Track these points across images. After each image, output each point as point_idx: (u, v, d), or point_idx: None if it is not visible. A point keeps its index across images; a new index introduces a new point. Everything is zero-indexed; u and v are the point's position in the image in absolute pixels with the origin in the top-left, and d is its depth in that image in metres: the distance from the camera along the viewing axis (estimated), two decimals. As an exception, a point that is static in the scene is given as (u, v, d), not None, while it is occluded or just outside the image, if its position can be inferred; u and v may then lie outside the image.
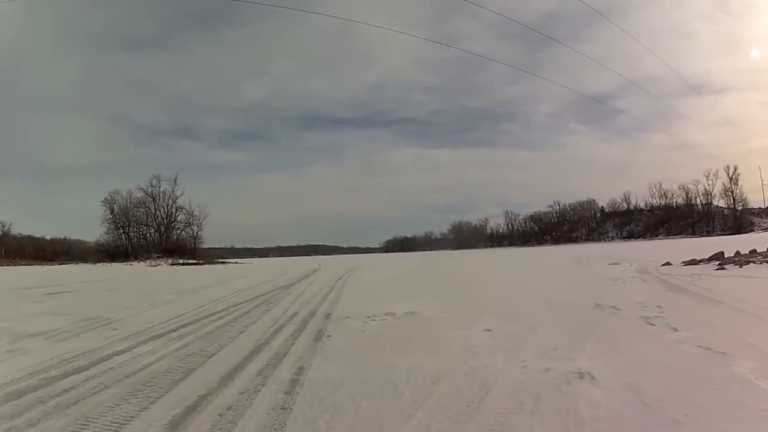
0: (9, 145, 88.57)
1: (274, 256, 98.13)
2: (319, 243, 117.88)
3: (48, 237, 67.62)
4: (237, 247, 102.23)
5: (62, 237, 68.89)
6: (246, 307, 9.29)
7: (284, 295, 11.18)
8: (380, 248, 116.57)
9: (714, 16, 78.25)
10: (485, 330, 5.50)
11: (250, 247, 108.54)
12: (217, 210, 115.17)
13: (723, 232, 67.99)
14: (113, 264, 51.81)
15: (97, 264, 51.90)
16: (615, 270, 14.96)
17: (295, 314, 7.63)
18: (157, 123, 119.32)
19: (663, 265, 15.41)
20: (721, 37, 73.08)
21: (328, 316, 7.21)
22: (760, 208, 74.56)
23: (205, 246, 66.44)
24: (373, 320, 6.46)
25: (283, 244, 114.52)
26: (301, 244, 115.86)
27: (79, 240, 69.89)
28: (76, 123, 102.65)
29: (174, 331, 6.81)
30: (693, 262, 15.32)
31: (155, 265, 49.98)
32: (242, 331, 6.36)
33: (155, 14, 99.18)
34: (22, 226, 66.23)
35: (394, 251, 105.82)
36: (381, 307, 7.63)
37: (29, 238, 65.06)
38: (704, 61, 79.80)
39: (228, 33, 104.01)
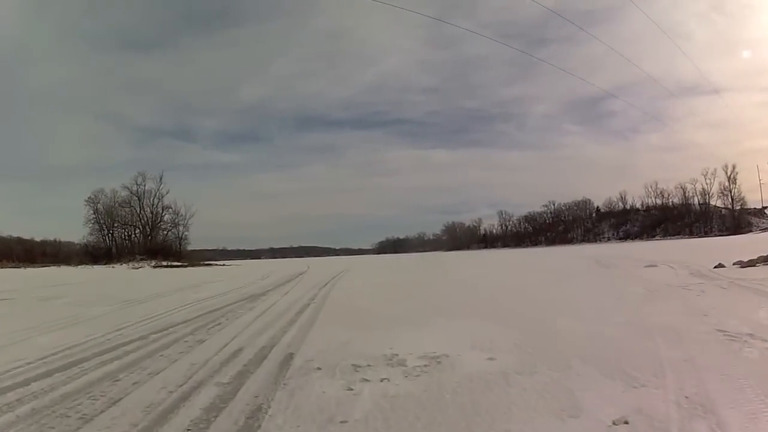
0: (5, 145, 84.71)
1: (266, 258, 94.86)
2: (311, 244, 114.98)
3: (38, 238, 63.32)
4: (229, 248, 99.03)
5: (52, 239, 64.75)
6: (178, 332, 6.18)
7: (244, 311, 8.01)
8: (373, 249, 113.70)
9: (710, 17, 76.05)
10: (618, 422, 2.38)
11: (243, 248, 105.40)
12: (211, 211, 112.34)
13: (721, 233, 65.49)
14: (95, 266, 48.71)
15: (79, 266, 48.87)
16: (661, 274, 12.00)
17: (235, 354, 4.47)
18: (154, 124, 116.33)
19: (716, 267, 12.52)
20: (717, 38, 70.86)
21: (286, 361, 4.04)
22: (755, 208, 72.28)
23: (195, 248, 63.00)
24: (366, 380, 3.27)
25: (276, 246, 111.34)
26: (294, 246, 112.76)
27: (69, 242, 66.16)
28: (73, 123, 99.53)
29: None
30: (750, 264, 12.54)
31: (137, 268, 46.86)
32: (108, 406, 3.20)
33: (154, 15, 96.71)
34: (15, 227, 63.17)
35: (386, 252, 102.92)
36: (379, 342, 4.51)
37: (18, 239, 60.82)
38: (699, 62, 77.53)
39: (227, 34, 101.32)
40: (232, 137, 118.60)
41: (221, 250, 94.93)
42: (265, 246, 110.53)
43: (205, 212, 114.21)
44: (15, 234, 59.99)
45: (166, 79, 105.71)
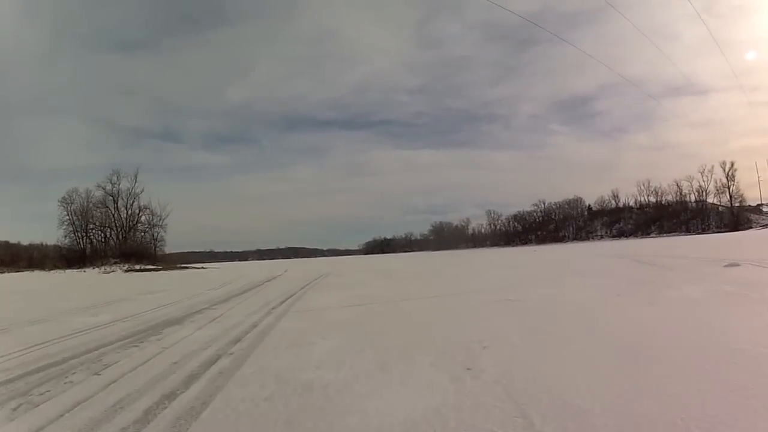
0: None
1: (253, 260, 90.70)
2: (299, 246, 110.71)
3: (25, 243, 59.32)
4: (216, 250, 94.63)
5: (38, 243, 59.97)
6: None
7: (86, 375, 3.89)
8: (360, 250, 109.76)
9: (699, 19, 73.22)
10: None
11: (230, 250, 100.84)
12: (199, 213, 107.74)
13: (719, 230, 62.47)
14: (67, 271, 44.29)
15: (51, 271, 44.38)
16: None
17: None
18: (142, 125, 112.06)
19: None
20: (706, 40, 68.17)
21: None
22: (750, 205, 69.47)
23: (183, 250, 58.76)
24: None
25: (263, 247, 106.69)
26: (281, 247, 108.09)
27: (56, 245, 61.60)
28: (62, 126, 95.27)
29: None
30: None
31: (109, 272, 42.42)
32: None
33: (141, 17, 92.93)
34: (4, 232, 58.79)
35: (374, 253, 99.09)
36: None
37: (6, 244, 56.78)
38: (688, 63, 74.83)
39: (213, 36, 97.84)
40: (219, 138, 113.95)
41: (208, 252, 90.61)
42: (253, 248, 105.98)
43: (193, 214, 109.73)
44: (3, 238, 56.90)
45: (153, 80, 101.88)
